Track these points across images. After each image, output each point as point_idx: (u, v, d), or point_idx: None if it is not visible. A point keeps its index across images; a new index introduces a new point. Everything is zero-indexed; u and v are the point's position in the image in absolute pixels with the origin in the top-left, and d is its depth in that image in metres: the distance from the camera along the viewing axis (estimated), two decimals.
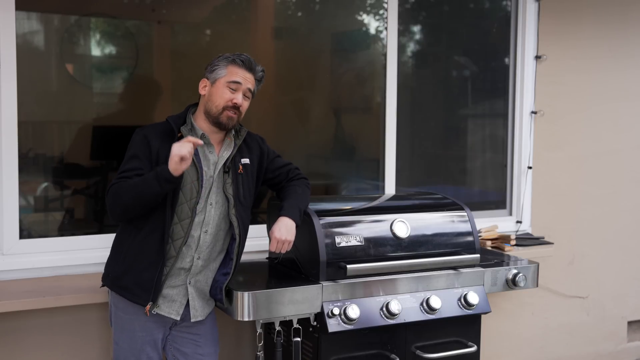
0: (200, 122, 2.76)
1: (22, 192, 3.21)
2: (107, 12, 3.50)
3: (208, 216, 2.73)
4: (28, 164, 3.27)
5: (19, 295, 2.91)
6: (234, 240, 2.82)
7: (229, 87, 2.71)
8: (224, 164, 2.76)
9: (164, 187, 2.55)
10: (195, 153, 2.70)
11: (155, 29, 3.67)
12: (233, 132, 2.81)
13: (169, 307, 2.76)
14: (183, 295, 2.78)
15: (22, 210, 3.21)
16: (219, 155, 2.77)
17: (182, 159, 2.49)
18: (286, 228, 2.82)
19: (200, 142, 2.57)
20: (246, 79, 2.74)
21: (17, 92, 3.12)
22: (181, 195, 2.68)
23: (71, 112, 3.49)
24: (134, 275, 2.69)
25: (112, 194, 2.63)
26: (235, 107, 2.70)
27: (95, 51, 3.54)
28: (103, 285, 2.82)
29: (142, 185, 2.56)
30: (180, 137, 2.68)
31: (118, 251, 2.76)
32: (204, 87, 2.76)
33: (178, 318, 2.78)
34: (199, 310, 2.82)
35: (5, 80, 3.09)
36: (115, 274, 2.74)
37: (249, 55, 2.77)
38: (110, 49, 3.60)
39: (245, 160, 2.83)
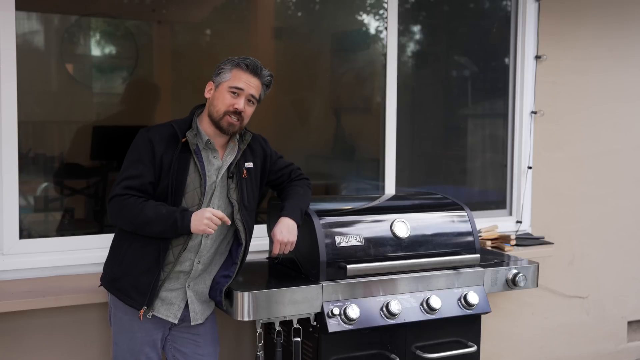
0: (205, 125, 2.74)
1: (22, 192, 3.21)
2: (107, 12, 3.50)
3: None
4: (28, 164, 3.27)
5: (19, 295, 2.91)
6: (239, 244, 2.81)
7: (230, 92, 2.67)
8: (228, 168, 2.76)
9: (178, 235, 2.63)
10: (199, 158, 2.69)
11: (155, 29, 3.67)
12: (237, 136, 2.79)
13: (167, 310, 2.75)
14: (182, 298, 2.77)
15: (22, 210, 3.21)
16: (222, 159, 2.76)
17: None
18: (287, 229, 2.82)
19: (228, 221, 2.63)
20: (250, 84, 2.69)
21: (17, 92, 3.12)
22: (183, 202, 2.67)
23: (71, 112, 3.49)
24: (131, 279, 2.68)
25: (117, 207, 2.62)
26: (237, 113, 2.67)
27: (95, 51, 3.54)
28: (101, 285, 2.82)
29: (155, 224, 2.58)
30: (185, 142, 2.67)
31: (116, 253, 2.76)
32: (209, 90, 2.74)
33: (176, 321, 2.77)
34: (199, 314, 2.82)
35: (5, 80, 3.09)
36: (113, 276, 2.74)
37: (256, 60, 2.73)
38: (110, 49, 3.60)
39: (249, 165, 2.82)
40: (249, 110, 2.73)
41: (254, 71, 2.70)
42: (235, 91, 2.67)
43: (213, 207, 2.72)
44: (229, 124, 2.68)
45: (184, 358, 2.86)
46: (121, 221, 2.68)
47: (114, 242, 2.80)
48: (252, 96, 2.71)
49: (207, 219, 2.55)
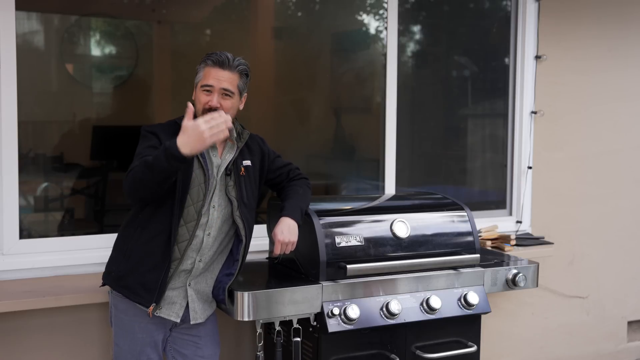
0: None
1: (22, 192, 3.21)
2: (107, 12, 3.51)
3: (211, 219, 2.72)
4: (28, 164, 3.27)
5: (19, 295, 2.91)
6: (240, 241, 2.81)
7: (204, 90, 2.67)
8: (226, 166, 2.76)
9: (179, 163, 2.42)
10: (202, 155, 2.69)
11: (155, 29, 3.67)
12: (235, 134, 2.79)
13: (169, 309, 2.75)
14: (183, 297, 2.77)
15: (22, 210, 3.21)
16: (221, 157, 2.76)
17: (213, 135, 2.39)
18: (288, 229, 2.82)
19: (229, 117, 2.47)
20: (219, 79, 2.66)
21: (17, 92, 3.12)
22: (189, 198, 2.67)
23: (71, 112, 3.49)
24: (138, 276, 2.67)
25: (132, 178, 2.52)
26: (212, 110, 2.62)
27: (95, 51, 3.54)
28: (104, 284, 2.80)
29: (155, 163, 2.43)
30: None
31: (122, 250, 2.74)
32: (194, 93, 2.76)
33: (178, 320, 2.77)
34: (199, 313, 2.81)
35: (5, 80, 3.09)
36: (119, 274, 2.73)
37: (225, 52, 2.69)
38: (110, 49, 3.60)
39: (247, 163, 2.82)
40: (227, 104, 2.68)
41: (222, 65, 2.67)
42: (207, 89, 2.67)
43: (213, 204, 2.72)
44: None
45: None
46: (137, 186, 2.52)
47: (118, 239, 2.79)
48: (226, 89, 2.68)
49: (207, 129, 2.39)
